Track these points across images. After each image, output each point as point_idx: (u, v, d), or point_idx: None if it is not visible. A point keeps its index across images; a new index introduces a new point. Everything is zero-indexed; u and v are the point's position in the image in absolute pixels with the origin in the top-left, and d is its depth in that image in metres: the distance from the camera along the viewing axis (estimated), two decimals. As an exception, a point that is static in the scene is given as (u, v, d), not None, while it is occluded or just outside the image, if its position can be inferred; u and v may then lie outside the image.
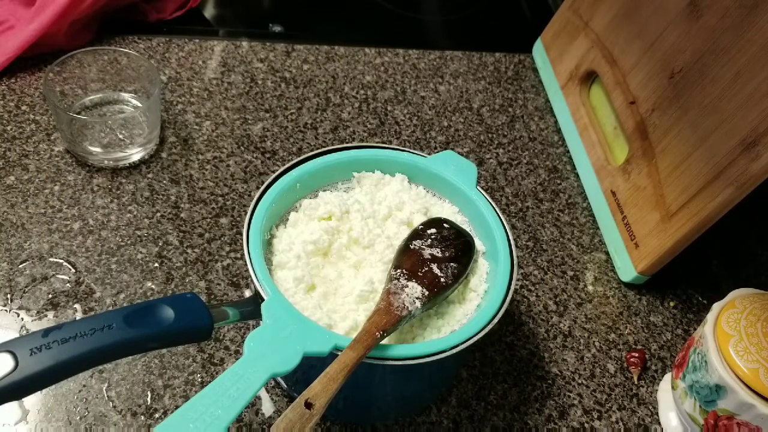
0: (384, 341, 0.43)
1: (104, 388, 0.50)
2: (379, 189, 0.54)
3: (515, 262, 0.49)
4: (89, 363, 0.37)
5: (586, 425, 0.55)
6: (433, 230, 0.49)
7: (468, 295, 0.49)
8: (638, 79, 0.65)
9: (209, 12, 0.84)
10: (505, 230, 0.50)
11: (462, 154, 0.70)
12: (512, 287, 0.47)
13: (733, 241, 0.68)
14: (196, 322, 0.40)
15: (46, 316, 0.54)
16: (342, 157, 0.53)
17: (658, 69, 0.63)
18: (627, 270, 0.63)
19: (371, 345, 0.41)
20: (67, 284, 0.56)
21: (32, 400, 0.49)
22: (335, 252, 0.49)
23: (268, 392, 0.52)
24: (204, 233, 0.61)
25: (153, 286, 0.57)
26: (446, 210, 0.54)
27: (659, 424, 0.55)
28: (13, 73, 0.70)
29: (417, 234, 0.49)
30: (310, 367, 0.42)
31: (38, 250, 0.57)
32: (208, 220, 0.62)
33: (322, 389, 0.38)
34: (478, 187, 0.53)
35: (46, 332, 0.36)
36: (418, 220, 0.51)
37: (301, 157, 0.52)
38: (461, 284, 0.49)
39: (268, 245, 0.49)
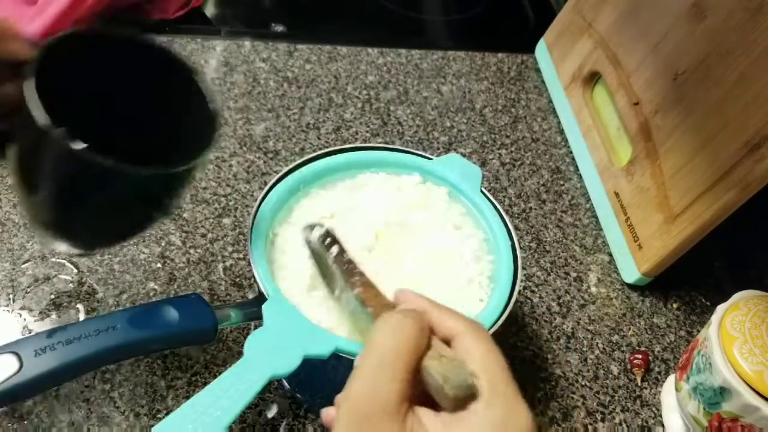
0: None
1: (107, 388, 0.50)
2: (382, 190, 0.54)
3: (519, 264, 0.49)
4: (94, 364, 0.37)
5: (589, 427, 0.54)
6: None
7: (471, 296, 0.49)
8: (642, 80, 0.65)
9: (211, 11, 0.84)
10: (510, 233, 0.50)
11: (465, 155, 0.70)
12: (516, 289, 0.47)
13: (737, 243, 0.68)
14: (200, 323, 0.40)
15: (48, 316, 0.54)
16: (345, 158, 0.53)
17: (662, 70, 0.62)
18: (630, 271, 0.63)
19: None
20: (70, 284, 0.56)
21: (34, 400, 0.49)
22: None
23: (271, 393, 0.52)
24: (207, 233, 0.61)
25: (155, 287, 0.57)
26: (451, 211, 0.54)
27: (663, 426, 0.55)
28: (15, 72, 0.70)
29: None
30: (313, 368, 0.42)
31: (40, 250, 0.57)
32: (211, 220, 0.62)
33: None
34: (482, 189, 0.53)
35: (51, 333, 0.36)
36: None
37: (305, 158, 0.52)
38: (462, 285, 0.48)
39: (270, 246, 0.49)
